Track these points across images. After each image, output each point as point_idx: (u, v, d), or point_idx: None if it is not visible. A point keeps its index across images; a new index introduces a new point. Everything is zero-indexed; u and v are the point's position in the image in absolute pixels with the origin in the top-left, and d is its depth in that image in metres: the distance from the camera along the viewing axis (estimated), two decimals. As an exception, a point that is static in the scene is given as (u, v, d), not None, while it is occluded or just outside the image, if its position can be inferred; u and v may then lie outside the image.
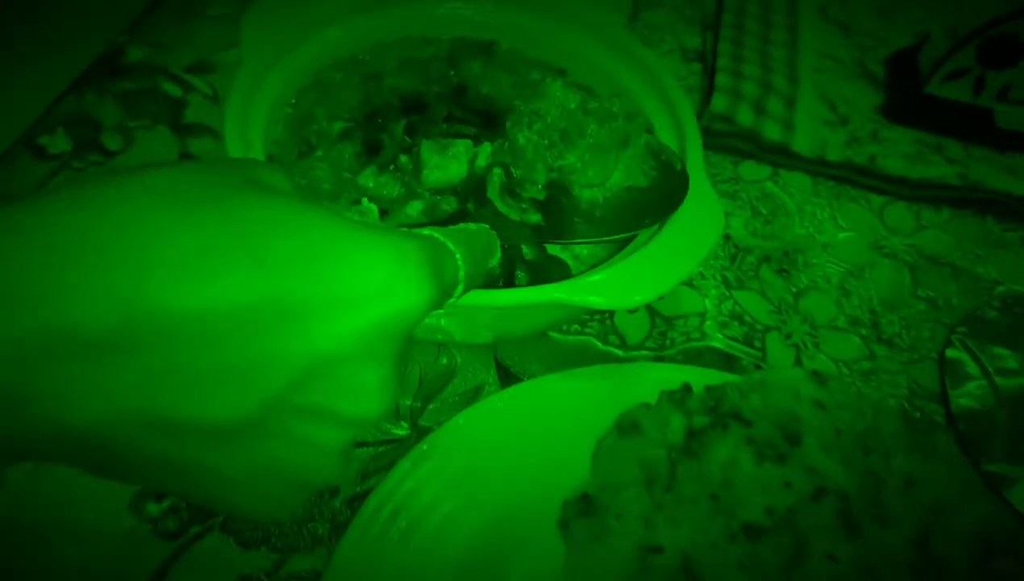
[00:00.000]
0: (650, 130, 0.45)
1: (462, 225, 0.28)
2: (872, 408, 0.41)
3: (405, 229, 0.24)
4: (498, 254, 0.30)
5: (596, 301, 0.36)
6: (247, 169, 0.22)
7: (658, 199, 0.40)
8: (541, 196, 0.38)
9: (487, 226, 0.30)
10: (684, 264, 0.38)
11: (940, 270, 0.50)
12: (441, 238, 0.25)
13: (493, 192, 0.35)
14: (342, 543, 0.34)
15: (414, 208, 0.40)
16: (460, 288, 0.25)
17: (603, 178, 0.37)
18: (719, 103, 0.53)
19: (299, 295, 0.19)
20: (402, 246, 0.22)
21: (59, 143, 0.48)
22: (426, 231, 0.25)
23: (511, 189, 0.36)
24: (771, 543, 0.37)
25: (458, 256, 0.25)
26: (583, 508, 0.37)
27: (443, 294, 0.23)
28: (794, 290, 0.48)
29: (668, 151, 0.42)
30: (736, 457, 0.39)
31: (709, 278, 0.47)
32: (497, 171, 0.36)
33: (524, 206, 0.36)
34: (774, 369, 0.44)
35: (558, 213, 0.38)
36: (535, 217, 0.39)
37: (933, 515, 0.38)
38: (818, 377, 0.41)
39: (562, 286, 0.36)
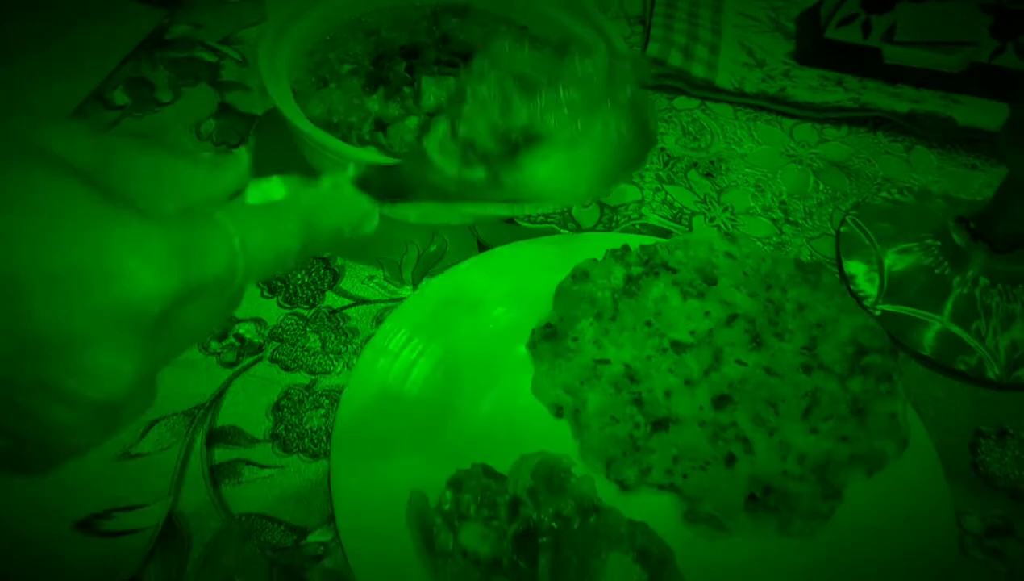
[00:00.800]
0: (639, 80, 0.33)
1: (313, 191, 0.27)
2: (771, 256, 0.52)
3: (165, 216, 0.22)
4: (374, 223, 0.29)
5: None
6: (28, 131, 0.22)
7: (624, 162, 0.32)
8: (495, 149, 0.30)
9: (357, 193, 0.28)
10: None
11: (839, 171, 0.62)
12: (223, 223, 0.23)
13: (432, 142, 0.31)
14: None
15: (412, 121, 0.52)
16: (238, 278, 0.24)
17: (575, 136, 0.30)
18: (653, 48, 0.65)
19: (23, 272, 0.19)
20: (144, 233, 0.21)
21: (120, 98, 0.60)
22: (220, 214, 0.24)
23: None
24: (694, 354, 0.48)
25: (236, 243, 0.23)
26: (548, 334, 0.48)
27: (195, 282, 0.22)
28: (717, 188, 0.59)
29: (649, 107, 0.33)
30: (665, 295, 0.50)
31: (647, 177, 0.59)
32: (444, 124, 0.31)
33: (471, 157, 0.31)
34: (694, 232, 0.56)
35: (508, 168, 0.30)
36: (478, 173, 0.31)
37: (818, 329, 0.48)
38: (729, 236, 0.52)
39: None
